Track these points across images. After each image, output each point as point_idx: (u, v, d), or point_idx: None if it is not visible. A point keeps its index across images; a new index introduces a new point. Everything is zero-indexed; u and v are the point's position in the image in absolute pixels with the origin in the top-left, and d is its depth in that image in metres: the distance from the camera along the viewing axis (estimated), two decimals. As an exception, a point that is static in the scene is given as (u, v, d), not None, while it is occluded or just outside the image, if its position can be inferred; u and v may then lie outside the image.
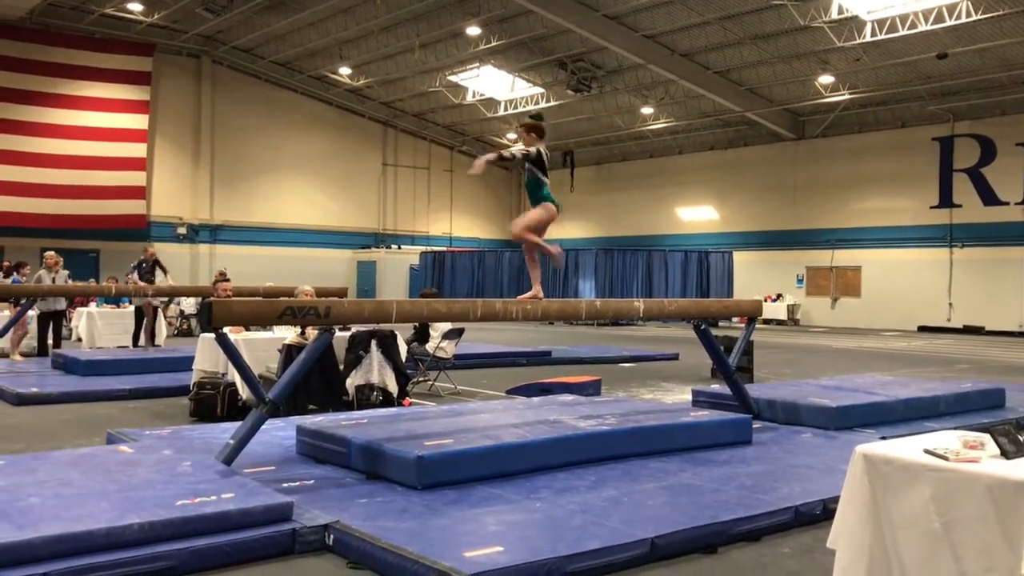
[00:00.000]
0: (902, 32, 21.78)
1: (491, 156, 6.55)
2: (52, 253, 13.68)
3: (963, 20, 20.65)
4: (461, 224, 38.70)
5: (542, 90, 30.63)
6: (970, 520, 3.12)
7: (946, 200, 27.05)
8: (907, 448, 3.47)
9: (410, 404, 8.98)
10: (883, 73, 25.49)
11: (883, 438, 6.37)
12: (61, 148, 28.09)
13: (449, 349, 10.67)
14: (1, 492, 4.47)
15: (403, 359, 9.19)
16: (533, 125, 6.59)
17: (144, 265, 15.31)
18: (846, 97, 26.84)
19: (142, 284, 14.17)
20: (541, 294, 6.69)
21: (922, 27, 21.34)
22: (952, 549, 3.16)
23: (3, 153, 27.21)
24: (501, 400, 9.19)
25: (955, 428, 4.87)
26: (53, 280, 13.31)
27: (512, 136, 35.45)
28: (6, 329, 12.59)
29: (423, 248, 34.85)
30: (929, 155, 27.33)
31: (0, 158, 27.15)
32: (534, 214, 6.61)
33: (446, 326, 10.40)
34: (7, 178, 27.11)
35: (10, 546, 3.73)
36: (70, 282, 14.39)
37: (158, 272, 15.47)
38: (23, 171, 27.39)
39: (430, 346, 10.52)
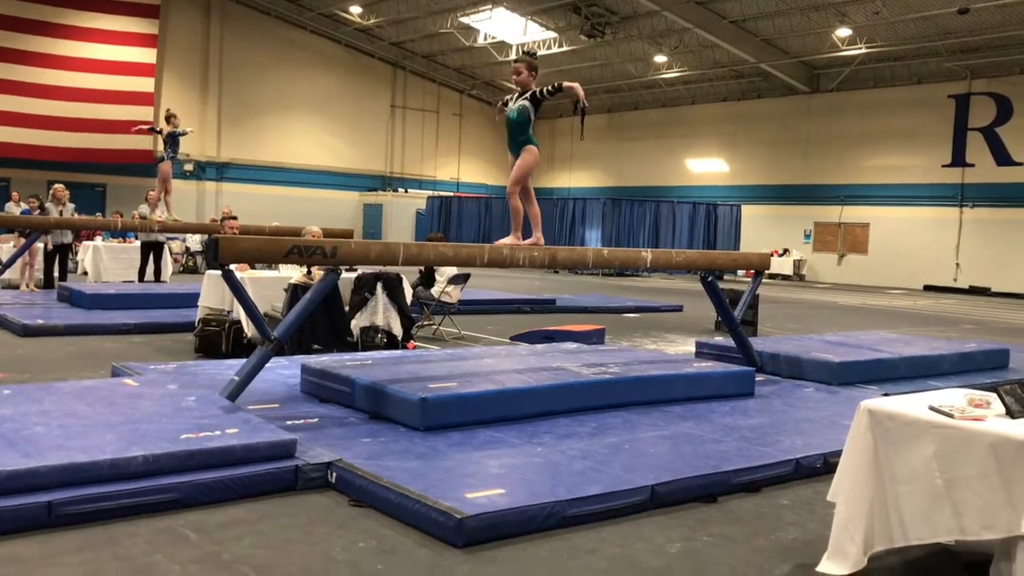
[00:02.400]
0: (923, -15, 21.40)
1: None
2: (61, 186, 13.65)
3: (986, -25, 20.27)
4: (469, 169, 38.50)
5: (555, 35, 30.21)
6: (972, 478, 3.13)
7: (959, 159, 26.80)
8: (912, 405, 3.47)
9: (414, 347, 9.00)
10: (901, 27, 25.08)
11: (886, 395, 6.39)
12: (68, 80, 27.87)
13: (454, 294, 10.67)
14: (7, 421, 4.49)
15: (408, 302, 9.20)
16: (535, 64, 6.51)
17: (176, 135, 13.35)
18: (863, 51, 26.44)
19: (148, 220, 14.08)
20: (542, 240, 6.67)
21: (944, -19, 20.97)
22: (953, 506, 3.18)
23: (9, 83, 27.01)
24: (505, 346, 9.22)
25: (959, 387, 4.85)
26: (60, 213, 13.29)
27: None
28: (13, 259, 12.61)
29: (430, 192, 34.72)
30: (944, 113, 27.02)
31: (6, 88, 26.98)
32: (530, 165, 6.49)
33: (452, 271, 10.39)
34: (13, 109, 26.95)
35: (16, 473, 3.77)
36: (76, 215, 14.35)
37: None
38: (29, 102, 27.21)
39: (435, 290, 10.52)
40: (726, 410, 6.26)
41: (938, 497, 3.22)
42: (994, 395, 3.40)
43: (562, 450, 4.93)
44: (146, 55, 29.42)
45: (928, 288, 26.78)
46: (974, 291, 25.78)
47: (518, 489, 4.17)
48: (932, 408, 3.35)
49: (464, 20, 30.32)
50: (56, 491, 3.79)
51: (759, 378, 7.33)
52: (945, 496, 3.20)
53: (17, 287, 13.18)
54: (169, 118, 13.48)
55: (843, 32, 25.96)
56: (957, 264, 26.74)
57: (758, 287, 8.26)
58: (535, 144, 6.50)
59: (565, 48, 30.45)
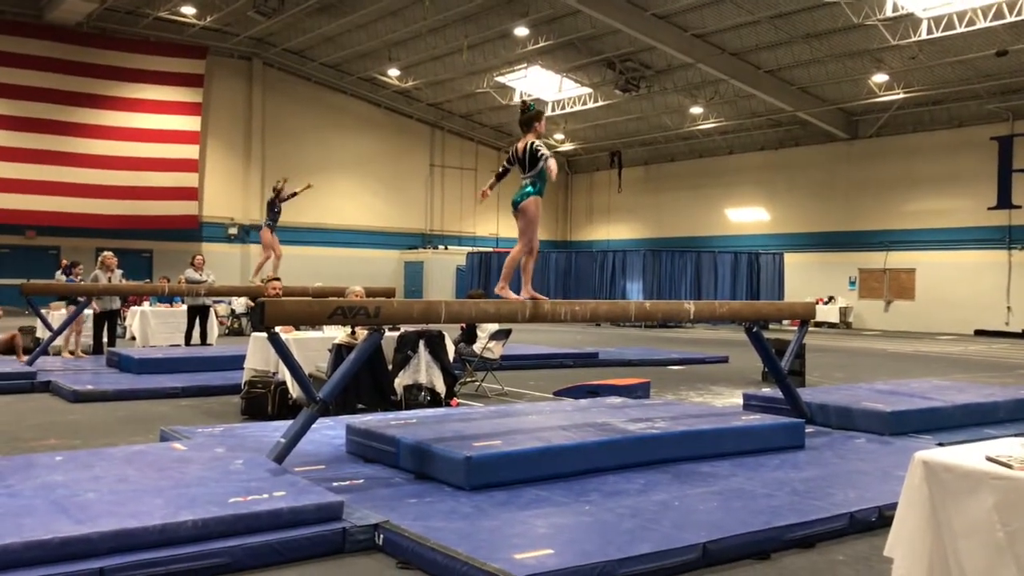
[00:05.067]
0: (959, 29, 21.30)
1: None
2: (110, 253, 13.93)
3: (1023, 16, 20.16)
4: (508, 225, 38.68)
5: (590, 90, 30.53)
6: (1036, 530, 3.03)
7: (1004, 201, 26.39)
8: (968, 455, 3.38)
9: (458, 404, 8.99)
10: (939, 71, 24.98)
11: (940, 444, 6.25)
12: (116, 150, 28.69)
13: (496, 350, 10.67)
14: (59, 487, 4.56)
15: (451, 359, 9.21)
16: (524, 117, 6.57)
17: (278, 200, 14.93)
18: (901, 96, 26.33)
19: (195, 285, 14.31)
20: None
21: (980, 24, 20.87)
22: (1016, 559, 3.07)
23: (60, 155, 27.84)
24: (549, 402, 9.17)
25: (1015, 435, 4.72)
26: (109, 279, 13.56)
27: (560, 136, 35.40)
28: (63, 327, 12.85)
29: (470, 248, 34.95)
30: (987, 155, 26.70)
31: (57, 159, 27.80)
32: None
33: (493, 327, 10.40)
34: (63, 179, 27.74)
35: (68, 540, 3.81)
36: (124, 281, 14.63)
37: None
38: (79, 172, 28.01)
39: (477, 347, 10.53)
40: (776, 463, 6.15)
41: (1000, 551, 3.12)
42: (1054, 444, 3.31)
43: (610, 508, 4.87)
44: (191, 123, 30.21)
45: (979, 333, 26.24)
46: (1027, 335, 25.22)
47: (567, 549, 4.11)
48: (989, 458, 3.26)
49: (500, 79, 30.76)
50: (107, 557, 3.82)
51: (809, 429, 7.21)
52: (1008, 550, 3.10)
53: (72, 353, 13.40)
54: (276, 187, 14.69)
55: (880, 78, 25.90)
56: (1008, 308, 26.20)
57: (804, 336, 8.15)
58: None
59: (601, 103, 30.73)
